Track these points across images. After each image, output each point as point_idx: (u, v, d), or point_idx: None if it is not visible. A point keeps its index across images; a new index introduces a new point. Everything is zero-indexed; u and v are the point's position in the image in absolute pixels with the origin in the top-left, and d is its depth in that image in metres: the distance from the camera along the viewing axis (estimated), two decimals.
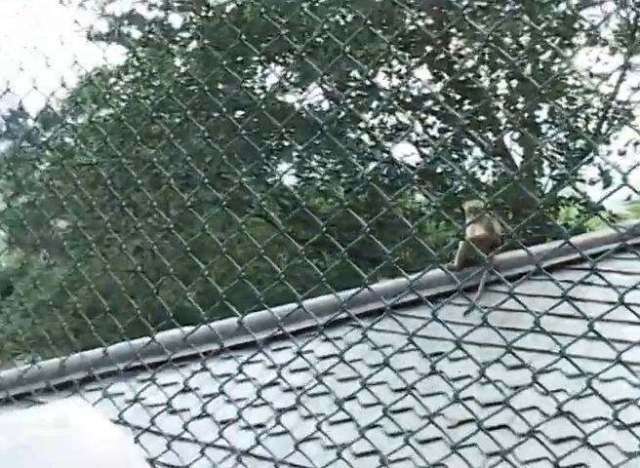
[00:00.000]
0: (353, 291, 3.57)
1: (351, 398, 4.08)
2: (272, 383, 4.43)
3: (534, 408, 4.35)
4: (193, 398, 4.19)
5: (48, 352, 5.33)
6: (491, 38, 3.47)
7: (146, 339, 4.36)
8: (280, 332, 3.90)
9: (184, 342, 4.11)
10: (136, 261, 4.00)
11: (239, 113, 14.66)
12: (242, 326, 3.89)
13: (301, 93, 15.76)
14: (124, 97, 16.09)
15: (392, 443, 3.88)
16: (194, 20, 16.66)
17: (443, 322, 3.26)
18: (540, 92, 3.33)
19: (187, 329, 4.13)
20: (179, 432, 3.94)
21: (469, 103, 15.83)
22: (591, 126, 16.35)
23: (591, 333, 2.92)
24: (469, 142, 16.32)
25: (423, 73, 16.54)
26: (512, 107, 15.81)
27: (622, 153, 16.56)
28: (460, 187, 11.89)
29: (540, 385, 3.23)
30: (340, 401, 3.60)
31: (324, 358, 4.99)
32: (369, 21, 3.51)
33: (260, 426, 4.31)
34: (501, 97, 16.24)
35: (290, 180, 16.56)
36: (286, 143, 15.68)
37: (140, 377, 4.78)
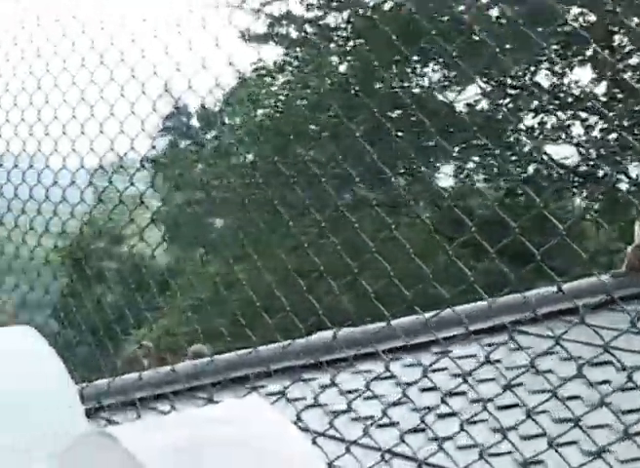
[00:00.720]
0: (509, 296, 3.48)
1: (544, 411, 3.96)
2: (454, 391, 4.33)
3: None
4: (344, 398, 4.17)
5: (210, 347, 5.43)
6: None
7: (300, 341, 4.37)
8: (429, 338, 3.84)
9: (335, 343, 4.10)
10: (291, 260, 4.03)
11: (397, 112, 14.63)
12: (390, 327, 3.85)
13: (459, 92, 15.62)
14: (281, 97, 16.31)
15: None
16: (352, 20, 16.73)
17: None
18: None
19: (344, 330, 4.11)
20: (355, 436, 3.88)
21: (634, 103, 15.37)
22: None
23: None
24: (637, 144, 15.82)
25: (586, 72, 16.16)
26: None
27: None
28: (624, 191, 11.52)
29: None
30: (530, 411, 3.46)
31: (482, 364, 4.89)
32: (526, 20, 3.43)
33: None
34: None
35: (447, 182, 16.46)
36: (443, 144, 15.55)
37: (292, 378, 4.78)
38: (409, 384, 4.05)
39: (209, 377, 4.66)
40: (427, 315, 4.01)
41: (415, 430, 3.79)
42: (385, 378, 4.26)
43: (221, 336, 4.14)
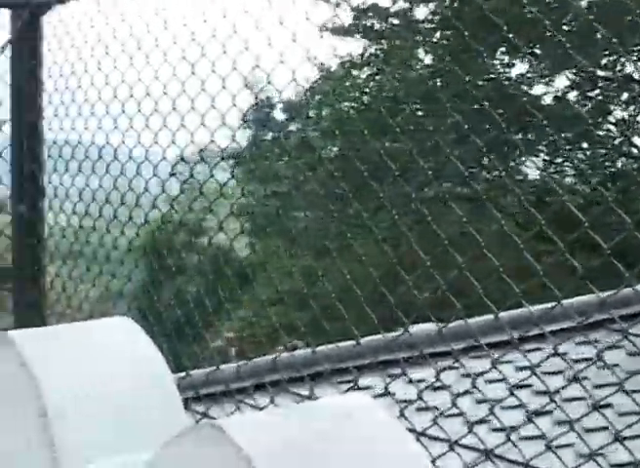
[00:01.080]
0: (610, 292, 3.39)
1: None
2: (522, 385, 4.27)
3: None
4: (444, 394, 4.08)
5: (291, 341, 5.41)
6: None
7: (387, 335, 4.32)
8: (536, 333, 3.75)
9: (440, 337, 4.04)
10: (377, 254, 4.01)
11: (484, 104, 14.47)
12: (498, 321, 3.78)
13: (547, 84, 15.41)
14: (366, 89, 16.28)
15: None
16: (438, 11, 16.61)
17: None
18: None
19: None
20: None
21: None
22: None
23: None
24: None
25: None
26: None
27: None
28: None
29: None
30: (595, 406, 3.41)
31: (577, 361, 4.79)
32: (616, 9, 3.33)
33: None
34: None
35: (534, 176, 16.23)
36: (531, 137, 15.39)
37: (390, 372, 4.66)
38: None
39: (308, 369, 4.62)
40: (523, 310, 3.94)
41: (481, 421, 3.75)
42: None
43: (303, 330, 4.12)
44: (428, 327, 4.50)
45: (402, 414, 3.69)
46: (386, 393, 3.90)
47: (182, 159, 3.98)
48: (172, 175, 4.11)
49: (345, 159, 10.42)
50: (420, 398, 3.83)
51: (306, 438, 1.33)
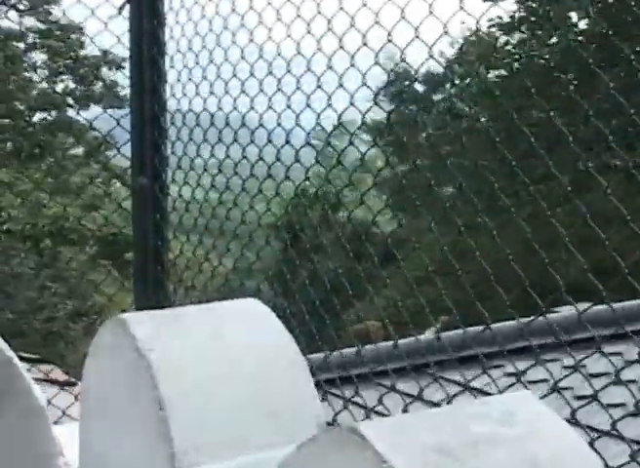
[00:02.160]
0: None
1: None
2: None
3: None
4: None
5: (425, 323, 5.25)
6: None
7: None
8: None
9: (579, 324, 3.75)
10: (528, 229, 3.74)
11: None
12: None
13: None
14: (516, 55, 15.81)
15: None
16: None
17: None
18: None
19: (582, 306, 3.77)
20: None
21: None
22: None
23: None
24: None
25: None
26: None
27: None
28: None
29: None
30: None
31: None
32: None
33: None
34: None
35: None
36: None
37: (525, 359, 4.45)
38: None
39: (435, 355, 4.41)
40: None
41: None
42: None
43: (449, 310, 3.90)
44: (566, 311, 4.25)
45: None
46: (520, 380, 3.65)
47: (319, 124, 3.75)
48: (307, 143, 3.89)
49: (495, 129, 10.07)
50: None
51: (463, 443, 1.21)
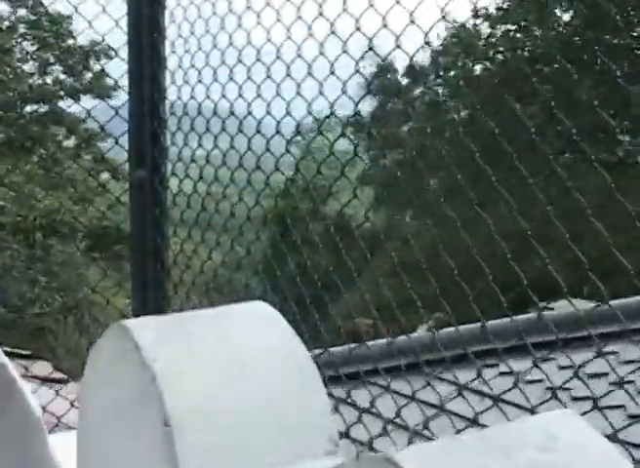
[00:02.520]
0: None
1: None
2: None
3: None
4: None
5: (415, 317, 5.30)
6: None
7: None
8: None
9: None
10: (502, 224, 3.87)
11: (627, 63, 14.05)
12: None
13: None
14: (500, 48, 15.98)
15: None
16: None
17: None
18: None
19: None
20: None
21: None
22: None
23: None
24: None
25: None
26: None
27: None
28: None
29: None
30: None
31: None
32: None
33: None
34: None
35: None
36: None
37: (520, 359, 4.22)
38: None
39: (428, 354, 4.26)
40: None
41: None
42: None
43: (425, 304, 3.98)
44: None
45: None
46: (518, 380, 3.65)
47: (310, 113, 3.70)
48: (297, 133, 3.87)
49: (477, 122, 10.31)
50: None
51: None
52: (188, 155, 4.14)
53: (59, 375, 5.24)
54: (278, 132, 3.61)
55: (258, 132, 3.72)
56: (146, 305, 3.99)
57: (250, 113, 3.80)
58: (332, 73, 3.36)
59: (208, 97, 3.94)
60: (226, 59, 3.80)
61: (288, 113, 3.55)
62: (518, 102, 7.95)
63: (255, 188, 3.78)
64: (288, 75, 3.54)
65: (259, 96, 3.66)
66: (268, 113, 3.68)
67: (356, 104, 3.68)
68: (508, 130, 4.42)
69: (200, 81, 3.93)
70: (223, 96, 3.85)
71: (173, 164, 4.16)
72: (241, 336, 1.68)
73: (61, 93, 21.79)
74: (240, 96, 3.79)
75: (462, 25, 14.92)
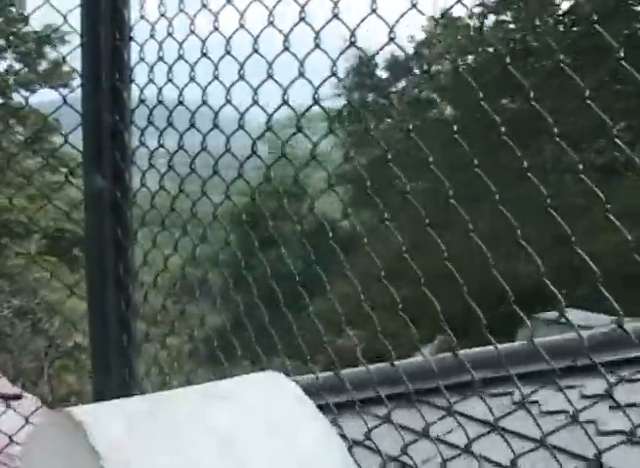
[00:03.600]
0: None
1: None
2: None
3: None
4: None
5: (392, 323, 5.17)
6: None
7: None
8: None
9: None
10: (488, 230, 3.77)
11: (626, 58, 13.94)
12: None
13: None
14: (492, 40, 15.81)
15: None
16: None
17: None
18: None
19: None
20: None
21: None
22: None
23: None
24: None
25: None
26: None
27: None
28: None
29: None
30: None
31: None
32: None
33: None
34: None
35: None
36: None
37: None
38: None
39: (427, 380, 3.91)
40: None
41: None
42: None
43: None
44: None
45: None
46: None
47: (286, 102, 3.49)
48: (268, 129, 3.73)
49: (462, 120, 10.19)
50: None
51: None
52: (164, 161, 3.34)
53: (13, 391, 5.16)
54: (241, 127, 3.14)
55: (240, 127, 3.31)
56: (107, 360, 3.11)
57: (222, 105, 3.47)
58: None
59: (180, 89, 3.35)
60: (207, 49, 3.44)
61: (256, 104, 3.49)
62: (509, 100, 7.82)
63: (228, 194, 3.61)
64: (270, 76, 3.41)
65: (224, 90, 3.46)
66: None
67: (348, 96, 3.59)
68: (499, 130, 4.27)
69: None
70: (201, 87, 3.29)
71: (142, 172, 3.29)
72: (249, 439, 1.46)
73: (12, 82, 21.51)
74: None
75: (445, 19, 14.79)
